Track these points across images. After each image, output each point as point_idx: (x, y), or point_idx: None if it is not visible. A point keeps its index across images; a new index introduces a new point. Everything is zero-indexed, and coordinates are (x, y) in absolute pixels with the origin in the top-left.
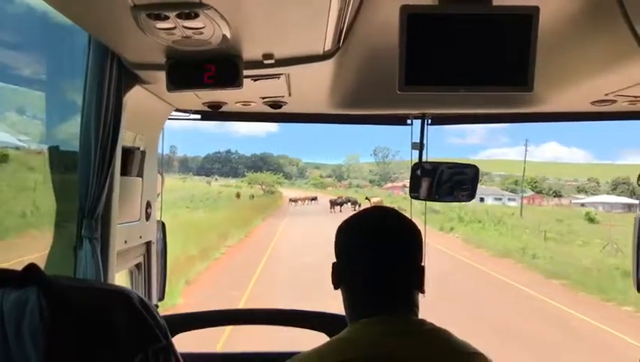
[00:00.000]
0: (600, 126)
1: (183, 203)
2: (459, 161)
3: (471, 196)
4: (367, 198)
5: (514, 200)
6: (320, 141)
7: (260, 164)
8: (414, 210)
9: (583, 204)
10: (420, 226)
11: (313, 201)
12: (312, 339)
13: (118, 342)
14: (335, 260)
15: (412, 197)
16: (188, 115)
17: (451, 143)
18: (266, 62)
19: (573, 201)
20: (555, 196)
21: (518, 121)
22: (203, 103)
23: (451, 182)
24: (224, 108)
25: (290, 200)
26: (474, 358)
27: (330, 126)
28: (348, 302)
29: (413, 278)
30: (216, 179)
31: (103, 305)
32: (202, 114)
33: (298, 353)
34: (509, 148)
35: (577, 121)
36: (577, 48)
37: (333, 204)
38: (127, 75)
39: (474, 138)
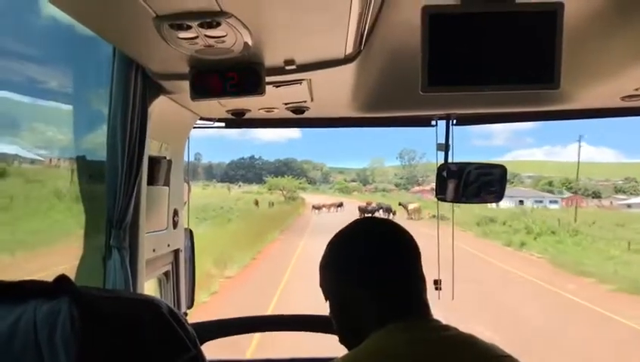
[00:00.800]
0: (628, 124)
1: (193, 213)
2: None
3: (499, 197)
4: (401, 204)
5: (556, 202)
6: (343, 145)
7: (284, 169)
8: (463, 220)
9: (629, 205)
10: (473, 241)
11: (339, 208)
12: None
13: (148, 352)
14: (326, 272)
15: (439, 199)
16: (212, 123)
17: (475, 145)
18: (287, 68)
19: (616, 203)
20: (594, 197)
21: (545, 119)
22: (227, 111)
23: (478, 183)
24: (248, 115)
25: (314, 207)
26: (502, 361)
27: (354, 130)
28: (361, 314)
29: (423, 286)
30: (240, 186)
31: (133, 314)
32: (226, 121)
33: (329, 359)
34: (536, 148)
35: (607, 117)
36: (604, 43)
37: (364, 211)
38: (151, 85)
39: (499, 140)
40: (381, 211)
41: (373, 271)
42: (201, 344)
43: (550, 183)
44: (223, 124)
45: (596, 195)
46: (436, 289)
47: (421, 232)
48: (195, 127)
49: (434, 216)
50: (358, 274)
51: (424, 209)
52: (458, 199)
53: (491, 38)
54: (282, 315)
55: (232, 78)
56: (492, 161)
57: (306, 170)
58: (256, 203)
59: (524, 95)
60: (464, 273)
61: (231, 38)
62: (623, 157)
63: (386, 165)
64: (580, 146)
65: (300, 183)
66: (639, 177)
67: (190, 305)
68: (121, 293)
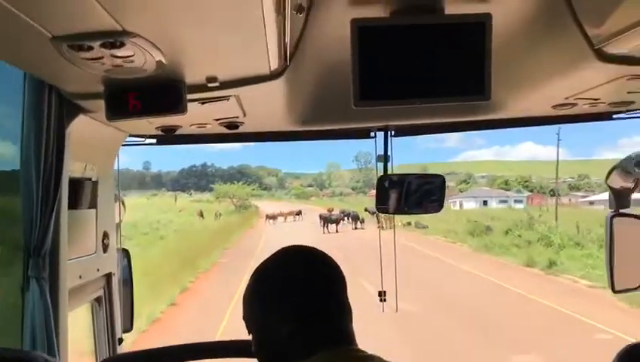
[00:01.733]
0: (572, 125)
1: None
2: (438, 164)
3: (440, 206)
4: (367, 210)
5: (520, 201)
6: (299, 151)
7: (238, 176)
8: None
9: (591, 203)
10: (475, 258)
11: (297, 217)
12: None
13: None
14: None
15: (380, 210)
16: (143, 140)
17: (429, 148)
18: (210, 85)
19: (575, 200)
20: (552, 195)
21: (481, 129)
22: (156, 128)
23: (419, 193)
24: (179, 132)
25: (268, 216)
26: None
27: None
28: (285, 347)
29: (348, 316)
30: (191, 194)
31: None
32: (158, 138)
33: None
34: (485, 149)
35: (540, 125)
36: (533, 54)
37: (326, 220)
38: (68, 105)
39: (450, 142)
40: (347, 219)
41: (296, 304)
42: None
43: (506, 182)
44: (154, 141)
45: (554, 193)
46: (380, 301)
47: (401, 244)
48: (124, 145)
49: (409, 224)
50: (281, 307)
51: (410, 218)
52: (401, 210)
53: (421, 51)
54: (210, 342)
55: (150, 96)
56: (444, 164)
57: (261, 176)
58: (201, 214)
59: (459, 106)
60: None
61: (140, 58)
62: (569, 156)
63: (342, 169)
64: (558, 145)
65: (253, 190)
66: (591, 174)
67: (129, 328)
68: None
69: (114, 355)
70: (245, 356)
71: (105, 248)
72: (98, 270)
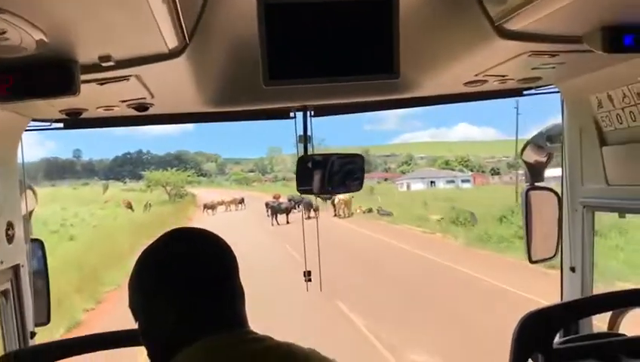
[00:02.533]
0: (504, 106)
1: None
2: (379, 147)
3: (361, 185)
4: (320, 196)
5: (468, 181)
6: (238, 136)
7: (176, 162)
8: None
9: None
10: (473, 257)
11: (240, 205)
12: None
13: None
14: (134, 293)
15: (302, 191)
16: (49, 124)
17: (366, 130)
18: (104, 64)
19: (520, 179)
20: (493, 174)
21: (398, 107)
22: (60, 111)
23: (342, 173)
24: (87, 115)
25: (206, 206)
26: None
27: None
28: (173, 336)
29: (242, 294)
30: (125, 183)
31: None
32: (65, 122)
33: None
34: (422, 131)
35: (453, 102)
36: (439, 32)
37: (275, 210)
38: None
39: (389, 124)
40: (298, 207)
41: (178, 291)
42: None
43: (447, 163)
44: (61, 125)
45: (496, 172)
46: (306, 281)
47: (369, 237)
48: (28, 130)
49: (369, 211)
50: (166, 294)
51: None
52: (324, 190)
53: (329, 28)
54: (121, 331)
55: (37, 77)
56: (383, 146)
57: (200, 161)
58: (129, 206)
59: (375, 85)
60: None
61: (15, 35)
62: (501, 136)
63: (284, 153)
64: (517, 122)
65: (189, 176)
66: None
67: (45, 321)
68: None
69: (23, 347)
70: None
71: (9, 239)
72: (2, 262)
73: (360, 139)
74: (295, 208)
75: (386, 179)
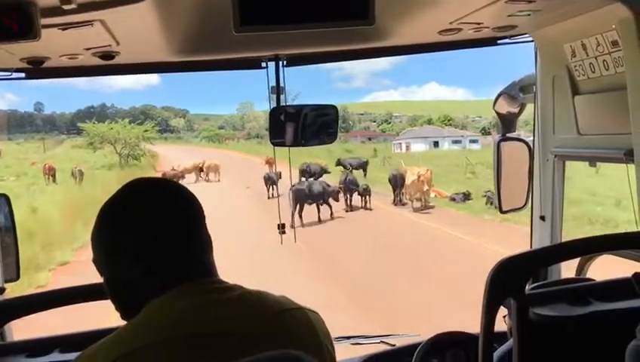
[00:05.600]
0: (473, 65)
1: None
2: (354, 105)
3: (335, 137)
4: (341, 163)
5: (476, 141)
6: (208, 90)
7: (142, 117)
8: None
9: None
10: None
11: (212, 175)
12: None
13: None
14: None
15: (275, 144)
16: (10, 74)
17: (337, 88)
18: (65, 7)
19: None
20: (484, 134)
21: (372, 56)
22: (20, 60)
23: (316, 125)
24: (49, 64)
25: (163, 175)
26: (290, 314)
27: (215, 74)
28: (141, 288)
29: (206, 246)
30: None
31: None
32: (26, 71)
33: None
34: (393, 90)
35: (427, 52)
36: None
37: (302, 198)
38: None
39: (358, 82)
40: (343, 193)
41: (145, 241)
42: (4, 324)
43: (429, 122)
44: (22, 75)
45: (487, 132)
46: (280, 233)
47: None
48: None
49: (467, 198)
50: (132, 246)
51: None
52: (298, 142)
53: None
54: (86, 286)
55: None
56: (354, 104)
57: (167, 117)
58: (51, 174)
59: (349, 32)
60: None
61: None
62: (471, 96)
63: (256, 109)
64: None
65: (146, 131)
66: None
67: (15, 278)
68: None
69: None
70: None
71: None
72: None
73: (333, 97)
74: (333, 193)
75: (370, 139)
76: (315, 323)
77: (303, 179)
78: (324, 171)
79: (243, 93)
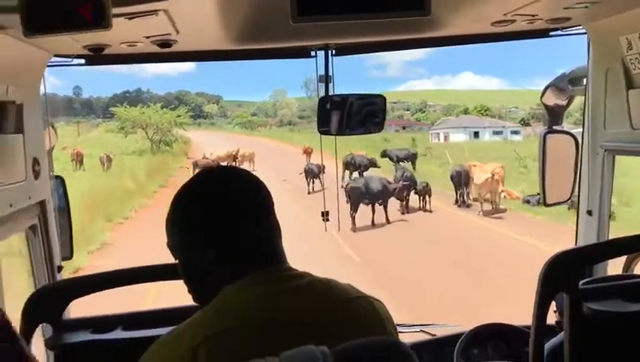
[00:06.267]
0: (508, 55)
1: None
2: (387, 93)
3: (381, 126)
4: (386, 155)
5: (517, 132)
6: (241, 77)
7: (176, 103)
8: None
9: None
10: None
11: (247, 165)
12: None
13: None
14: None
15: (322, 132)
16: (71, 60)
17: (371, 76)
18: None
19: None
20: (523, 125)
21: (422, 46)
22: (83, 47)
23: (362, 114)
24: (109, 51)
25: (197, 166)
26: (357, 302)
27: (250, 61)
28: (213, 272)
29: (276, 233)
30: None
31: None
32: (86, 58)
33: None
34: (426, 79)
35: (480, 42)
36: None
37: (356, 197)
38: None
39: (392, 71)
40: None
41: (218, 227)
42: (70, 301)
43: (465, 111)
44: (82, 61)
45: (526, 123)
46: (324, 220)
47: None
48: (50, 65)
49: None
50: (205, 232)
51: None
52: (343, 131)
53: None
54: (159, 265)
55: (70, 10)
56: (387, 92)
57: (201, 103)
58: (79, 160)
59: (401, 23)
60: None
61: None
62: (504, 86)
63: (289, 96)
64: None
65: (179, 117)
66: (531, 104)
67: (69, 256)
68: None
69: (53, 282)
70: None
71: (36, 175)
72: (30, 197)
73: (366, 85)
74: (399, 190)
75: (404, 128)
76: (380, 311)
77: (348, 172)
78: (371, 164)
79: (276, 81)
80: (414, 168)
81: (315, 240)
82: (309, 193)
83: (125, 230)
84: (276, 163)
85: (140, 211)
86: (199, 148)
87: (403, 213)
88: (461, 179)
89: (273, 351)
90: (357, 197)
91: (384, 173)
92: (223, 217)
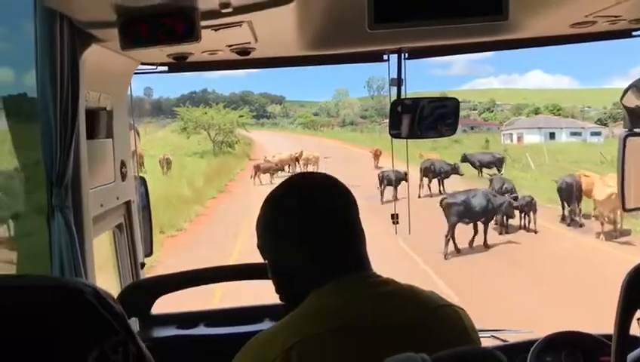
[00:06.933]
0: (580, 53)
1: None
2: (452, 92)
3: (454, 129)
4: (467, 159)
5: (598, 134)
6: (303, 77)
7: (240, 103)
8: None
9: None
10: None
11: (311, 168)
12: None
13: (64, 341)
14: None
15: (393, 135)
16: (155, 67)
17: (434, 75)
18: (223, 11)
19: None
20: (600, 125)
21: (498, 49)
22: (168, 55)
23: (433, 117)
24: (191, 59)
25: (259, 169)
26: (443, 311)
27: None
28: (303, 275)
29: (363, 235)
30: None
31: (42, 302)
32: (169, 65)
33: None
34: (493, 77)
35: (558, 44)
36: None
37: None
38: (81, 35)
39: (456, 69)
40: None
41: (310, 230)
42: (157, 297)
43: (536, 111)
44: (165, 69)
45: (603, 123)
46: (393, 223)
47: None
48: (136, 73)
49: None
50: (295, 235)
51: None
52: (414, 134)
53: None
54: (238, 265)
55: (164, 24)
56: (450, 92)
57: (264, 103)
58: (140, 162)
59: (476, 26)
60: None
61: None
62: (578, 85)
63: (351, 96)
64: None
65: (241, 117)
66: (606, 103)
67: (149, 253)
68: (33, 280)
69: (139, 279)
70: (264, 278)
71: (123, 176)
72: (118, 198)
73: (429, 84)
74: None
75: (472, 128)
76: (465, 320)
77: (426, 180)
78: (453, 170)
79: (338, 80)
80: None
81: (394, 266)
82: (382, 203)
83: (176, 245)
84: (344, 167)
85: (195, 221)
86: (262, 150)
87: (501, 233)
88: (572, 193)
89: (361, 357)
90: (455, 215)
91: (465, 181)
92: (311, 220)
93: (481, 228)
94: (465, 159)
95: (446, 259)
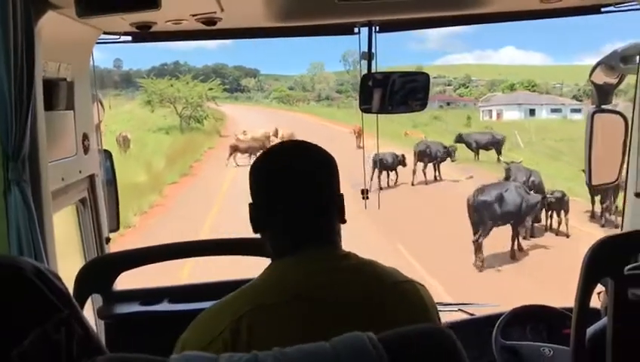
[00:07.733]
0: (552, 29)
1: None
2: (427, 67)
3: (424, 105)
4: (462, 139)
5: (578, 111)
6: (278, 51)
7: (213, 76)
8: None
9: None
10: None
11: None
12: None
13: (6, 320)
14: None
15: (363, 110)
16: (118, 37)
17: (411, 49)
18: None
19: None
20: (577, 100)
21: (468, 23)
22: (130, 24)
23: (404, 91)
24: (155, 28)
25: (237, 150)
26: (402, 286)
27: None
28: (271, 243)
29: (334, 209)
30: None
31: None
32: (133, 35)
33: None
34: (467, 53)
35: (529, 19)
36: None
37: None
38: (36, 1)
39: (431, 44)
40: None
41: (281, 199)
42: (120, 273)
43: (512, 87)
44: (129, 38)
45: (578, 99)
46: (363, 198)
47: None
48: (98, 43)
49: None
50: (268, 202)
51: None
52: (384, 109)
53: None
54: (195, 241)
55: None
56: (426, 67)
57: (238, 76)
58: (126, 142)
59: None
60: None
61: None
62: (550, 61)
63: (327, 70)
64: None
65: (211, 90)
66: (579, 80)
67: (115, 228)
68: None
69: (103, 254)
70: (233, 253)
71: (85, 150)
72: (80, 171)
73: (404, 58)
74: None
75: (448, 103)
76: (424, 297)
77: (421, 165)
78: (447, 154)
79: (313, 54)
80: (499, 159)
81: None
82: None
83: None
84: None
85: (148, 213)
86: (235, 125)
87: (525, 238)
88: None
89: (314, 329)
90: (487, 215)
91: (458, 166)
92: (284, 193)
93: (497, 230)
94: (460, 139)
95: (480, 271)
